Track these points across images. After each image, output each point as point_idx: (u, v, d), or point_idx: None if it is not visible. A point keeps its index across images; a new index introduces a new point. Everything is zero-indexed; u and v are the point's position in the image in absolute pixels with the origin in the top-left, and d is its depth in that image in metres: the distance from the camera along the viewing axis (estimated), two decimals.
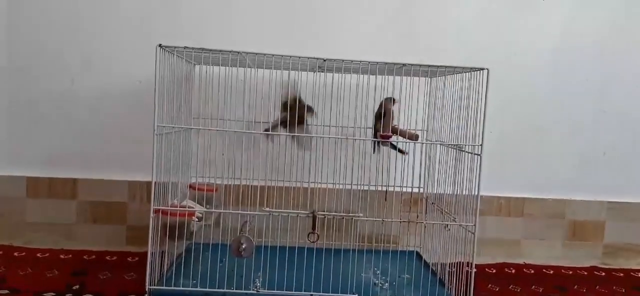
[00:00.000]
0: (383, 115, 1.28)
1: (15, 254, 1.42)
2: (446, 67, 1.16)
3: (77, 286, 1.23)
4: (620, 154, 1.67)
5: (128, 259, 1.43)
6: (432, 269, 1.35)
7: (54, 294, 1.18)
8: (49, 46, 1.50)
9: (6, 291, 1.18)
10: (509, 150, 1.62)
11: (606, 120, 1.65)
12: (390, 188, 1.32)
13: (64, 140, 1.52)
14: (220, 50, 1.10)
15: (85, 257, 1.43)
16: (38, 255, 1.42)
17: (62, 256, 1.42)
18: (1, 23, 1.48)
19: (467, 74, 1.19)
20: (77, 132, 1.52)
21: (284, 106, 1.29)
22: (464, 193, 1.18)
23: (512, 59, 1.59)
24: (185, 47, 1.09)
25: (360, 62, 1.14)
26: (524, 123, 1.62)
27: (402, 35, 1.56)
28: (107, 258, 1.43)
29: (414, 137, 1.26)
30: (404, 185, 1.31)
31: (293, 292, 1.12)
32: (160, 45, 1.07)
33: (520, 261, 1.59)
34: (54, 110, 1.51)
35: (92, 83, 1.51)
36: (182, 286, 1.14)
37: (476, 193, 1.13)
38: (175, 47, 1.10)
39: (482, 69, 1.12)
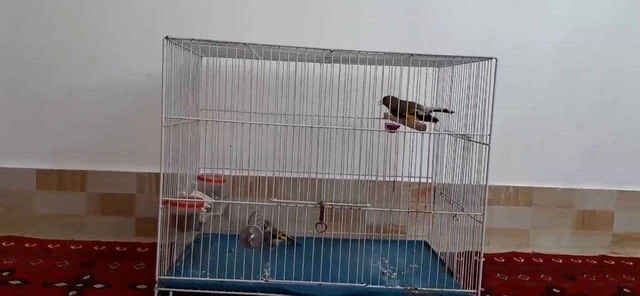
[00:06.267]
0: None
1: (26, 245, 1.43)
2: (454, 56, 1.16)
3: (88, 277, 1.24)
4: (629, 143, 1.66)
5: (138, 250, 1.44)
6: (440, 258, 1.35)
7: (64, 284, 1.20)
8: (56, 40, 1.50)
9: (18, 282, 1.20)
10: (517, 140, 1.61)
11: (615, 109, 1.64)
12: (398, 179, 1.32)
13: (72, 133, 1.53)
14: (227, 42, 1.10)
15: (95, 248, 1.44)
16: (49, 246, 1.44)
17: (72, 247, 1.44)
18: (8, 18, 1.49)
19: (475, 63, 1.18)
20: (85, 125, 1.53)
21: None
22: (472, 183, 1.18)
23: (520, 49, 1.58)
24: (191, 39, 1.09)
25: (368, 52, 1.13)
26: (533, 112, 1.61)
27: (409, 26, 1.55)
28: (117, 248, 1.45)
29: (421, 127, 1.26)
30: (412, 175, 1.31)
31: (301, 282, 1.13)
32: (167, 38, 1.08)
33: (529, 250, 1.59)
34: (63, 103, 1.52)
35: (100, 77, 1.52)
36: (192, 276, 1.15)
37: (484, 183, 1.13)
38: (181, 39, 1.10)
39: (490, 58, 1.11)
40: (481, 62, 1.15)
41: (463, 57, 1.16)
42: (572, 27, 1.59)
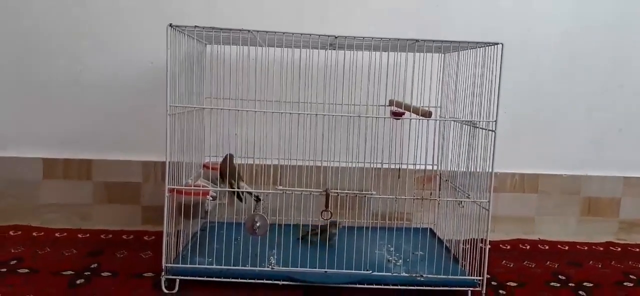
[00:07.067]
0: None
1: (34, 234, 1.44)
2: (459, 42, 1.15)
3: (95, 265, 1.25)
4: (636, 129, 1.65)
5: (144, 238, 1.45)
6: (445, 246, 1.35)
7: (72, 273, 1.20)
8: (60, 29, 1.50)
9: (25, 270, 1.21)
10: (523, 126, 1.60)
11: (623, 95, 1.62)
12: (404, 166, 1.32)
13: (78, 122, 1.54)
14: (231, 29, 1.10)
15: (102, 236, 1.45)
16: (56, 234, 1.45)
17: (79, 236, 1.44)
18: (12, 8, 1.49)
19: (481, 49, 1.17)
20: (91, 114, 1.53)
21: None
22: (478, 170, 1.17)
23: (526, 34, 1.56)
24: (195, 26, 1.09)
25: (372, 38, 1.13)
26: (539, 98, 1.60)
27: (414, 14, 1.53)
28: (124, 237, 1.45)
29: (427, 114, 1.25)
30: (418, 162, 1.31)
31: (307, 269, 1.13)
32: (170, 25, 1.07)
33: (535, 237, 1.59)
34: (68, 92, 1.52)
35: (105, 65, 1.52)
36: (198, 264, 1.16)
37: (490, 170, 1.13)
38: (185, 27, 1.10)
39: (497, 44, 1.11)
40: (487, 48, 1.14)
41: (469, 42, 1.16)
42: (579, 13, 1.57)
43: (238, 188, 1.23)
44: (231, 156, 1.28)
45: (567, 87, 1.60)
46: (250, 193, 1.27)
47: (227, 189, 1.21)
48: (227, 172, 1.24)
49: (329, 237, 1.26)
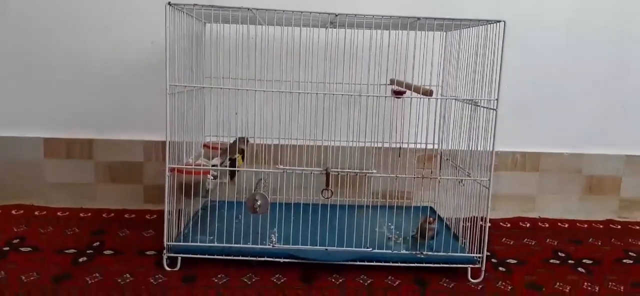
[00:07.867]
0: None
1: (36, 213, 1.45)
2: (462, 20, 1.14)
3: (98, 243, 1.26)
4: (638, 108, 1.63)
5: (146, 217, 1.46)
6: (446, 224, 1.35)
7: (74, 251, 1.21)
8: (60, 9, 1.49)
9: (28, 249, 1.22)
10: (525, 105, 1.60)
11: (627, 73, 1.61)
12: (405, 145, 1.31)
13: (79, 101, 1.53)
14: (230, 7, 1.09)
15: (104, 215, 1.46)
16: (58, 213, 1.45)
17: (81, 215, 1.45)
18: None
19: (482, 26, 1.16)
20: (92, 93, 1.53)
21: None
22: (479, 148, 1.17)
23: (530, 13, 1.55)
24: (194, 5, 1.08)
25: (373, 16, 1.12)
26: (541, 76, 1.59)
27: None
28: (126, 216, 1.46)
29: (428, 93, 1.25)
30: (419, 141, 1.31)
31: (308, 247, 1.14)
32: (169, 3, 1.06)
33: (536, 215, 1.59)
34: (69, 72, 1.52)
35: (106, 45, 1.51)
36: (200, 242, 1.16)
37: (491, 148, 1.12)
38: (184, 5, 1.09)
39: (499, 21, 1.09)
40: (489, 25, 1.13)
41: (471, 20, 1.14)
42: None
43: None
44: (240, 139, 1.28)
45: (570, 65, 1.59)
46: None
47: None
48: (227, 148, 1.25)
49: (428, 235, 1.21)
